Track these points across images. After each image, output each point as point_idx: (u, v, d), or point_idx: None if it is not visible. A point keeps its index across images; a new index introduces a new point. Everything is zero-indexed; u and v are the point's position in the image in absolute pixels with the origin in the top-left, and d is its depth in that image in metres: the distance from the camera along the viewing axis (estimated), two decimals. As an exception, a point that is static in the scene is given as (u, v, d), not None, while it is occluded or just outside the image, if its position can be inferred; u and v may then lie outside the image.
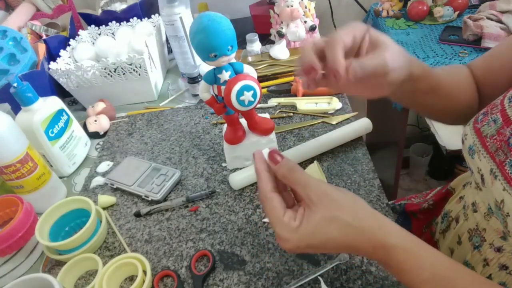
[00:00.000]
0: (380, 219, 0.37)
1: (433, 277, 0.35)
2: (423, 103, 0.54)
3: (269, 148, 0.42)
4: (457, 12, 1.21)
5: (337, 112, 0.77)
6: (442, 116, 0.58)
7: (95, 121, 0.84)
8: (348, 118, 0.75)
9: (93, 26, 1.02)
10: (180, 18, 0.88)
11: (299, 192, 0.39)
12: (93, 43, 1.00)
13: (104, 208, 0.66)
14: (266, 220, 0.59)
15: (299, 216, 0.38)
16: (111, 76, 0.87)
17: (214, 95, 0.61)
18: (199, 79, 0.89)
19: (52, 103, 0.72)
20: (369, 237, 0.36)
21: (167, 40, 1.03)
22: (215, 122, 0.82)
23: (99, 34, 1.02)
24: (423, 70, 0.48)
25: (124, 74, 0.87)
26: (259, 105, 0.82)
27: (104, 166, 0.76)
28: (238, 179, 0.64)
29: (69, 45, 0.96)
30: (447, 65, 0.56)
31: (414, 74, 0.46)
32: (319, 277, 0.50)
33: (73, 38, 0.98)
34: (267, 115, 0.68)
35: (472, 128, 0.45)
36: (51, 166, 0.74)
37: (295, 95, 0.83)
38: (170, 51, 1.09)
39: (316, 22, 1.01)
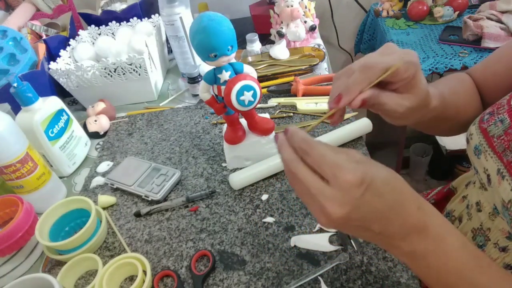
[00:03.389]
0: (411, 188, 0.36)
1: (464, 247, 0.35)
2: (434, 128, 0.53)
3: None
4: (457, 12, 1.21)
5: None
6: (449, 133, 0.57)
7: (95, 121, 0.84)
8: (348, 118, 0.74)
9: (93, 26, 1.02)
10: (180, 18, 0.88)
11: (328, 156, 0.33)
12: (93, 43, 1.00)
13: (104, 208, 0.66)
14: (266, 220, 0.59)
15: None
16: (111, 76, 0.87)
17: (214, 95, 0.61)
18: (199, 79, 0.89)
19: (52, 103, 0.72)
20: (415, 196, 0.34)
21: (167, 40, 1.03)
22: (215, 122, 0.82)
23: (99, 34, 1.02)
24: (442, 101, 0.46)
25: (124, 74, 0.87)
26: (259, 105, 0.82)
27: (104, 166, 0.76)
28: (238, 179, 0.64)
29: (69, 45, 0.96)
30: (447, 79, 0.55)
31: (431, 107, 0.44)
32: (319, 277, 0.50)
33: (73, 38, 0.98)
34: (267, 115, 0.68)
35: (478, 128, 0.45)
36: (51, 166, 0.74)
37: (295, 95, 0.83)
38: (170, 51, 1.09)
39: (316, 22, 1.01)
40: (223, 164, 0.71)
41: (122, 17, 1.02)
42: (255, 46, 0.97)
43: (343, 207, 0.31)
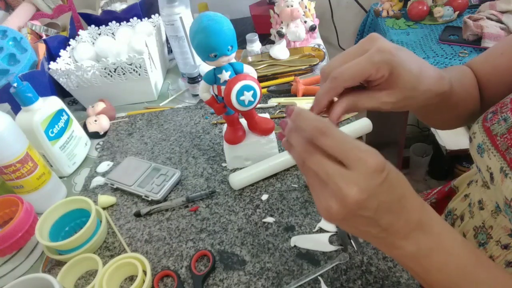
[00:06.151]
0: None
1: (464, 244, 0.35)
2: (434, 117, 0.52)
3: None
4: (457, 12, 1.21)
5: (337, 112, 0.77)
6: (449, 125, 0.56)
7: (95, 121, 0.84)
8: (348, 118, 0.75)
9: (93, 26, 1.02)
10: (180, 18, 0.88)
11: (349, 138, 0.32)
12: (93, 43, 1.00)
13: (104, 208, 0.66)
14: (266, 220, 0.59)
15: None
16: (111, 76, 0.87)
17: (214, 95, 0.61)
18: (199, 79, 0.89)
19: (52, 103, 0.72)
20: (416, 193, 0.34)
21: (167, 40, 1.03)
22: (215, 122, 0.82)
23: (99, 34, 1.02)
24: (450, 87, 0.43)
25: (124, 74, 0.87)
26: (259, 105, 0.82)
27: (104, 166, 0.76)
28: (238, 179, 0.64)
29: (69, 45, 0.96)
30: (452, 69, 0.54)
31: (439, 93, 0.41)
32: (319, 277, 0.50)
33: (73, 38, 0.98)
34: (267, 115, 0.68)
35: (481, 127, 0.45)
36: (51, 166, 0.74)
37: (295, 95, 0.83)
38: (170, 51, 1.09)
39: (316, 22, 1.01)
40: (223, 164, 0.71)
41: (122, 17, 1.02)
42: (255, 46, 0.97)
43: (363, 192, 0.30)
